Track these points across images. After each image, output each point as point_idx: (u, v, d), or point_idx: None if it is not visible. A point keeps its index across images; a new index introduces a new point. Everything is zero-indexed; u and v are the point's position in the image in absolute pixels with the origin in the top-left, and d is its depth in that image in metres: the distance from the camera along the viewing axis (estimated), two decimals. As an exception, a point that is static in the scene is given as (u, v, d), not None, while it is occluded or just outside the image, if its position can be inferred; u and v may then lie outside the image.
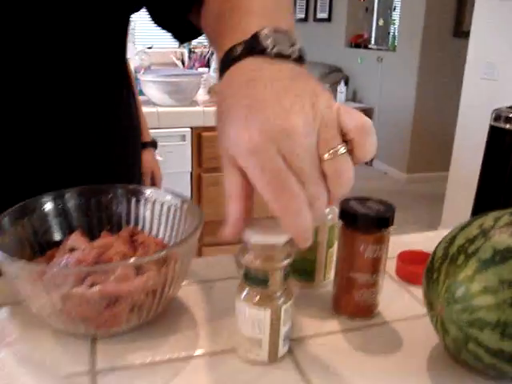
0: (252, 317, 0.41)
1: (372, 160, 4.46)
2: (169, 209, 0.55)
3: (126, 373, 0.42)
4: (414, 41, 4.07)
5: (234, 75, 0.39)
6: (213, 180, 1.96)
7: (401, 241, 0.65)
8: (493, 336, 0.37)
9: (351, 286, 0.49)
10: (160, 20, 0.66)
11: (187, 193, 1.97)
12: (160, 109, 1.89)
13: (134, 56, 2.11)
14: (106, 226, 0.55)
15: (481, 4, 2.63)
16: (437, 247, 0.44)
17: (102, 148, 0.66)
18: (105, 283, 0.41)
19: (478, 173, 0.70)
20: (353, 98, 5.03)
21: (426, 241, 0.58)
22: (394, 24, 4.77)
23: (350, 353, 0.46)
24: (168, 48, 2.44)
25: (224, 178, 0.37)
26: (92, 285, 0.42)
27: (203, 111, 1.92)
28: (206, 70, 2.34)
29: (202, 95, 2.07)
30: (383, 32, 4.93)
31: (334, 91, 4.66)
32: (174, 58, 2.41)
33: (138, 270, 0.43)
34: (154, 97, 1.93)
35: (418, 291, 0.55)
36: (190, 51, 2.45)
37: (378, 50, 4.76)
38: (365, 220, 0.47)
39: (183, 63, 2.44)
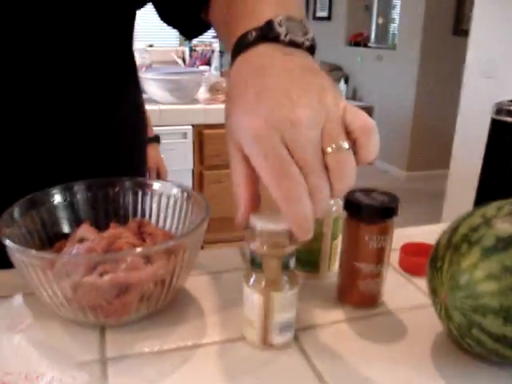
0: (246, 298, 0.44)
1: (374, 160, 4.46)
2: (175, 201, 0.56)
3: (135, 360, 0.43)
4: (413, 39, 4.08)
5: (245, 61, 0.39)
6: (214, 177, 1.97)
7: (404, 233, 0.66)
8: (496, 321, 0.38)
9: (356, 275, 0.50)
10: (169, 18, 0.66)
11: (189, 190, 1.97)
12: (161, 107, 1.89)
13: (135, 54, 2.12)
14: (112, 218, 0.56)
15: (480, 2, 2.63)
16: (440, 236, 0.45)
17: (108, 147, 0.66)
18: (115, 272, 0.42)
19: (478, 170, 0.70)
20: (353, 96, 5.04)
21: (429, 233, 0.58)
22: (393, 22, 4.78)
23: (354, 340, 0.46)
24: (169, 46, 2.45)
25: (230, 166, 0.38)
26: (102, 274, 0.42)
27: (204, 109, 1.93)
28: (207, 68, 2.35)
29: (203, 93, 2.08)
30: (383, 30, 4.94)
31: (334, 90, 4.66)
32: (175, 56, 2.41)
33: (147, 260, 0.44)
34: (155, 95, 1.94)
35: (422, 282, 0.56)
36: (191, 49, 2.46)
37: (377, 48, 4.77)
38: (369, 210, 0.48)
39: (184, 61, 2.44)
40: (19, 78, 0.56)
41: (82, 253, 0.46)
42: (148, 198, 0.57)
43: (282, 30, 0.39)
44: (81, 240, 0.48)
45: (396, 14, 4.65)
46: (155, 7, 0.66)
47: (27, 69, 0.56)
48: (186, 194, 0.55)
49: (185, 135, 1.92)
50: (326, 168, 0.35)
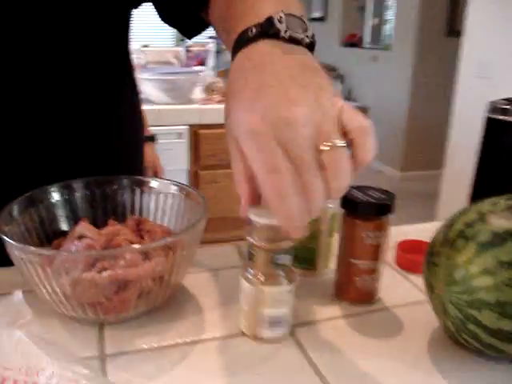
0: (241, 289, 0.45)
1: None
2: (173, 199, 0.56)
3: (134, 357, 0.43)
4: (408, 40, 4.09)
5: (245, 57, 0.40)
6: (210, 177, 1.97)
7: (400, 231, 0.67)
8: (491, 316, 0.39)
9: (352, 272, 0.50)
10: (169, 18, 0.66)
11: (184, 190, 1.97)
12: (157, 107, 1.89)
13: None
14: (110, 216, 0.56)
15: (473, 3, 2.65)
16: (436, 233, 0.46)
17: (106, 146, 0.67)
18: (114, 269, 0.42)
19: (471, 170, 0.71)
20: (348, 97, 5.05)
21: (424, 231, 0.59)
22: (388, 23, 4.80)
23: (352, 336, 0.47)
24: (164, 46, 2.44)
25: (231, 163, 0.38)
26: (101, 270, 0.43)
27: (200, 109, 1.93)
28: (202, 68, 2.35)
29: (198, 93, 2.08)
30: (377, 31, 4.96)
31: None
32: (171, 57, 2.41)
33: (146, 256, 0.44)
34: (150, 95, 1.93)
35: (418, 279, 0.56)
36: (187, 50, 2.46)
37: (372, 49, 4.78)
38: (365, 207, 0.48)
39: (179, 61, 2.44)
40: (17, 79, 0.56)
41: (81, 250, 0.46)
42: (146, 196, 0.58)
43: (282, 27, 0.39)
44: (80, 237, 0.48)
45: (390, 15, 4.67)
46: (155, 8, 0.66)
47: (25, 69, 0.56)
48: (183, 192, 0.56)
49: (180, 135, 1.92)
50: (323, 168, 0.35)
